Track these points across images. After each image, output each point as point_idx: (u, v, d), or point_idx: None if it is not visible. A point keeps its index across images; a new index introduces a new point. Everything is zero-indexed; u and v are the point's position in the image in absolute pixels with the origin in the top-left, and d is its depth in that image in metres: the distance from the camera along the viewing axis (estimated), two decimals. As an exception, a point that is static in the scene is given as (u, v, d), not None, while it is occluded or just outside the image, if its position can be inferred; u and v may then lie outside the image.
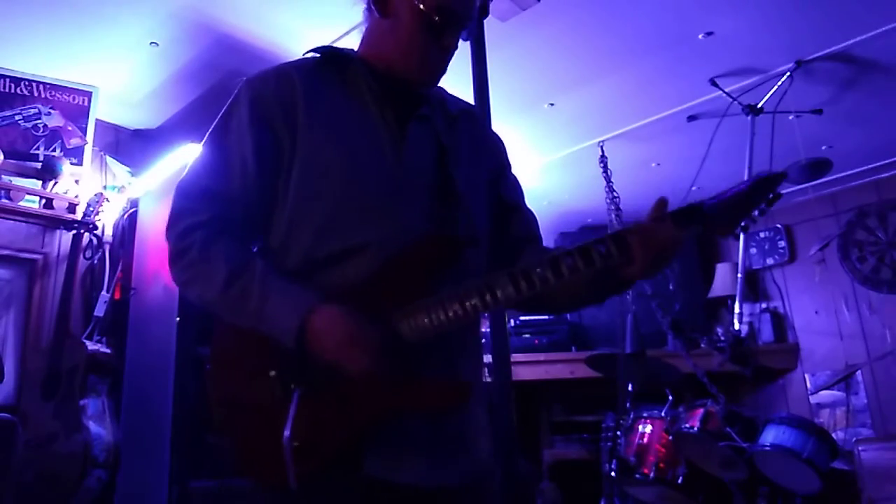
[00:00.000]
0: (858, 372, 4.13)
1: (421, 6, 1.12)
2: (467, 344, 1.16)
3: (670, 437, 2.91)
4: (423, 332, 1.04)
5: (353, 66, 1.20)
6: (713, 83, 3.20)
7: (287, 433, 0.97)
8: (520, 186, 1.36)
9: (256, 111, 1.13)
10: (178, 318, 2.60)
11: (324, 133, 1.13)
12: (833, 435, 2.82)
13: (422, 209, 1.12)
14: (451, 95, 1.33)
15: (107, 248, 3.19)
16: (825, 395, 4.33)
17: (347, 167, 1.11)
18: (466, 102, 1.39)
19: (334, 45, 1.26)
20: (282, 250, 1.12)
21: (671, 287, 4.20)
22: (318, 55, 1.22)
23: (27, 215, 2.98)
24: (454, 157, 1.19)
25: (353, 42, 1.29)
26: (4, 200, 2.92)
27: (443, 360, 1.09)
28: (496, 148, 1.36)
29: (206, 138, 1.17)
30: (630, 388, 3.19)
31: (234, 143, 1.13)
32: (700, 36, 2.85)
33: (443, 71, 1.22)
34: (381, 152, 1.14)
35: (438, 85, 1.28)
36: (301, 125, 1.12)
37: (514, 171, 1.36)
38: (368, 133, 1.15)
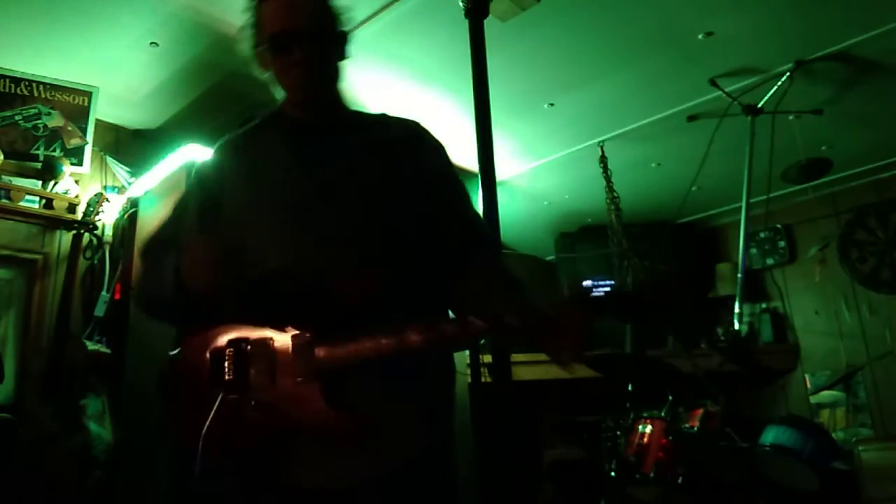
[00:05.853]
0: (858, 372, 4.13)
1: (262, 46, 1.24)
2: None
3: (670, 438, 2.91)
4: (341, 362, 1.09)
5: (272, 120, 1.32)
6: (713, 83, 3.20)
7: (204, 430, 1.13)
8: (458, 192, 1.33)
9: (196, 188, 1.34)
10: (178, 318, 2.59)
11: (238, 192, 1.27)
12: (833, 435, 2.82)
13: (305, 240, 1.18)
14: (394, 119, 1.35)
15: (107, 248, 3.19)
16: (825, 395, 4.33)
17: (252, 215, 1.23)
18: (406, 122, 1.36)
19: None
20: None
21: (671, 287, 4.18)
22: (255, 121, 1.35)
23: (27, 215, 2.97)
24: (360, 178, 1.23)
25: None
26: (4, 200, 2.92)
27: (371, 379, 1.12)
28: (430, 158, 1.33)
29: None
30: (630, 388, 3.19)
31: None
32: (700, 36, 2.85)
33: (319, 83, 1.25)
34: (279, 193, 1.23)
35: (383, 112, 1.35)
36: (223, 190, 1.28)
37: (451, 179, 1.33)
38: (273, 179, 1.25)
